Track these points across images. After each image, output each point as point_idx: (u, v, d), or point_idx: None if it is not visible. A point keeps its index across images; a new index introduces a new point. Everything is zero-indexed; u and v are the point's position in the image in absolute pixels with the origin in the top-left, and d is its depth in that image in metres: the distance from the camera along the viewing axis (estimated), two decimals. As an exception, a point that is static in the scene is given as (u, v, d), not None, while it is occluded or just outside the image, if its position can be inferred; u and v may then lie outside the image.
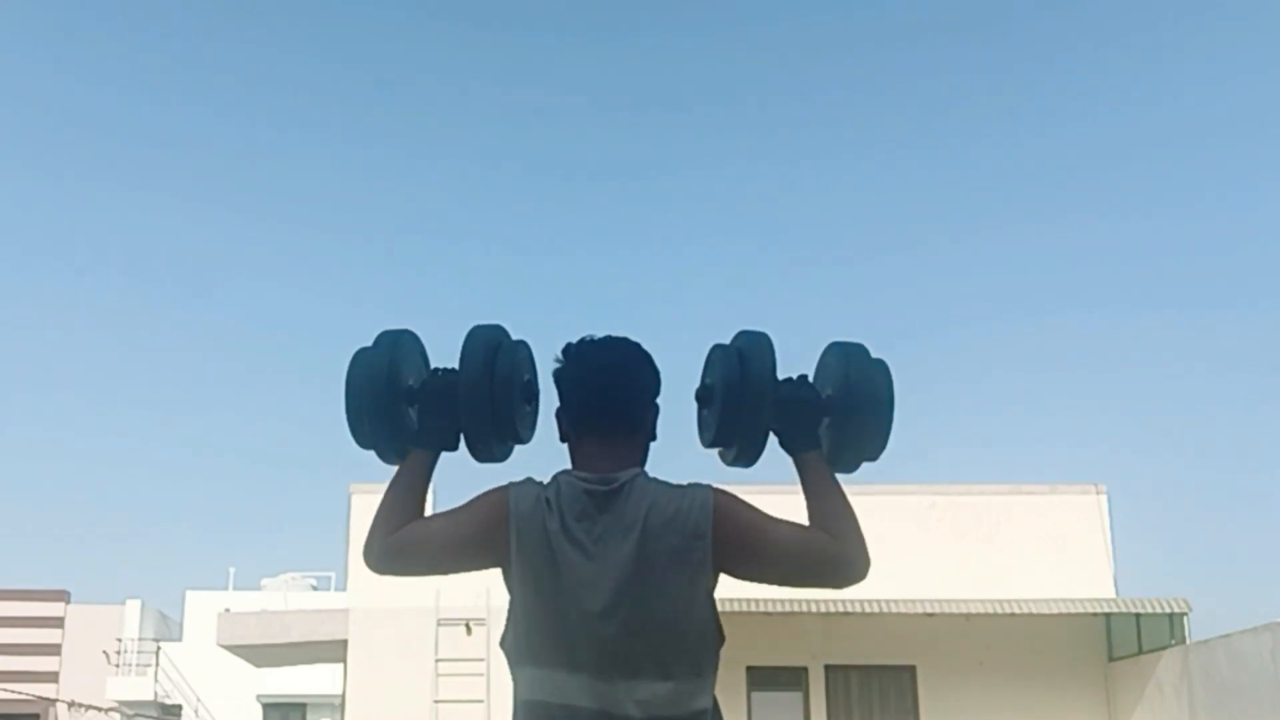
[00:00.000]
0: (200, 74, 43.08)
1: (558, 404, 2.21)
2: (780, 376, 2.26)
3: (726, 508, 2.06)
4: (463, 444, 2.28)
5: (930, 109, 40.62)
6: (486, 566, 2.11)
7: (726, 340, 2.32)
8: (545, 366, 2.27)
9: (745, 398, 2.23)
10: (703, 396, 2.32)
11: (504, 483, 2.12)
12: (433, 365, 2.34)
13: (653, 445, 2.22)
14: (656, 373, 2.22)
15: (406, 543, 2.12)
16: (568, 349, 2.20)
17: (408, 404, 2.29)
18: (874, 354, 2.35)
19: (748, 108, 41.10)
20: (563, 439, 2.20)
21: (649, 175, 42.74)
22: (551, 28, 43.54)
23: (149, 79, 44.17)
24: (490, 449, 2.29)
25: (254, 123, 44.24)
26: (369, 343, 2.32)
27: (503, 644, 2.09)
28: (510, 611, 2.08)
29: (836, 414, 2.28)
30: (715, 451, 2.35)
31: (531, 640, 2.03)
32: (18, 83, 43.23)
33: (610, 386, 2.16)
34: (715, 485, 2.11)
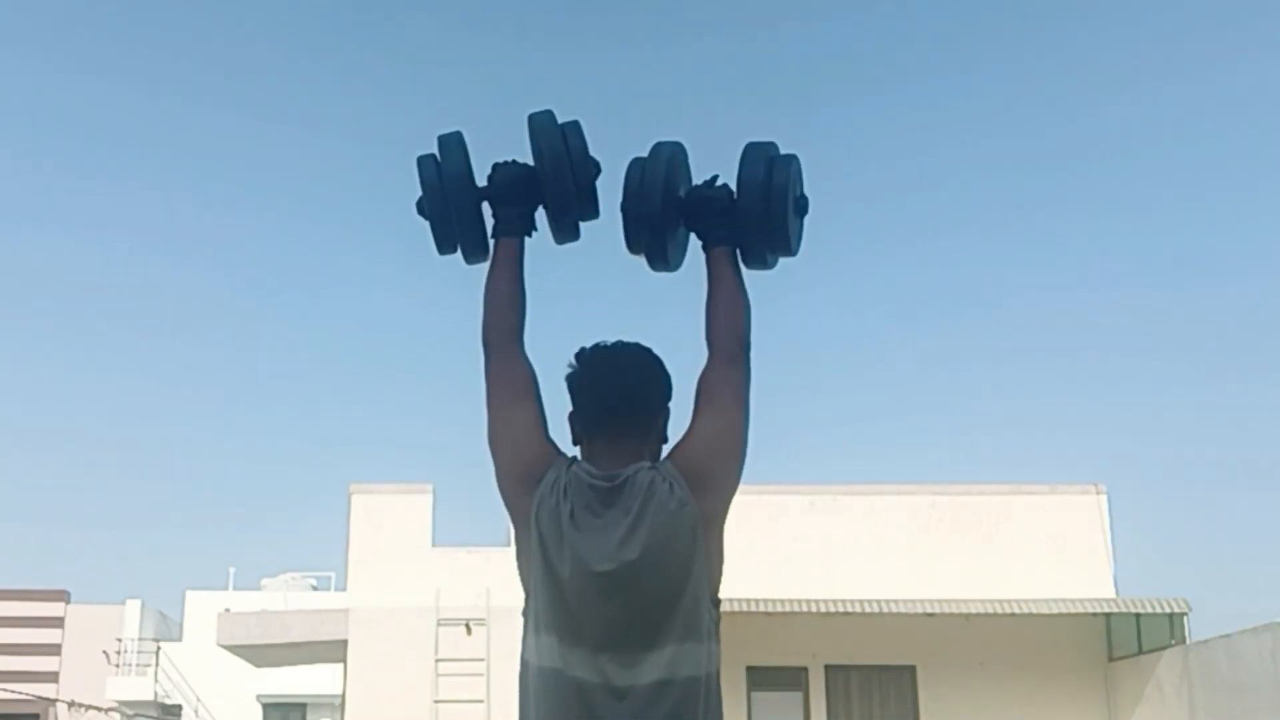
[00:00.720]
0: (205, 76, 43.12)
1: (570, 409, 2.26)
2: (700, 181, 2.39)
3: (680, 460, 2.17)
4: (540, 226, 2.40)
5: (936, 97, 40.63)
6: (505, 486, 2.21)
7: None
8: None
9: (641, 200, 2.35)
10: (621, 206, 2.42)
11: (559, 450, 2.23)
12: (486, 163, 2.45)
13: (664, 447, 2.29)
14: (668, 377, 2.28)
15: (513, 375, 2.27)
16: (581, 354, 2.26)
17: (482, 200, 2.40)
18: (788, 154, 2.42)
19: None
20: (575, 442, 2.26)
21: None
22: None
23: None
24: (574, 226, 2.42)
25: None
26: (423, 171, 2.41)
27: (524, 612, 2.18)
28: (530, 580, 2.16)
29: (743, 206, 2.37)
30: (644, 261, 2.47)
31: (540, 613, 2.12)
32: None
33: (622, 393, 2.22)
34: (666, 453, 2.23)
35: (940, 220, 39.58)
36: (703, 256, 2.40)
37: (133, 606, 32.08)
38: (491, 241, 2.39)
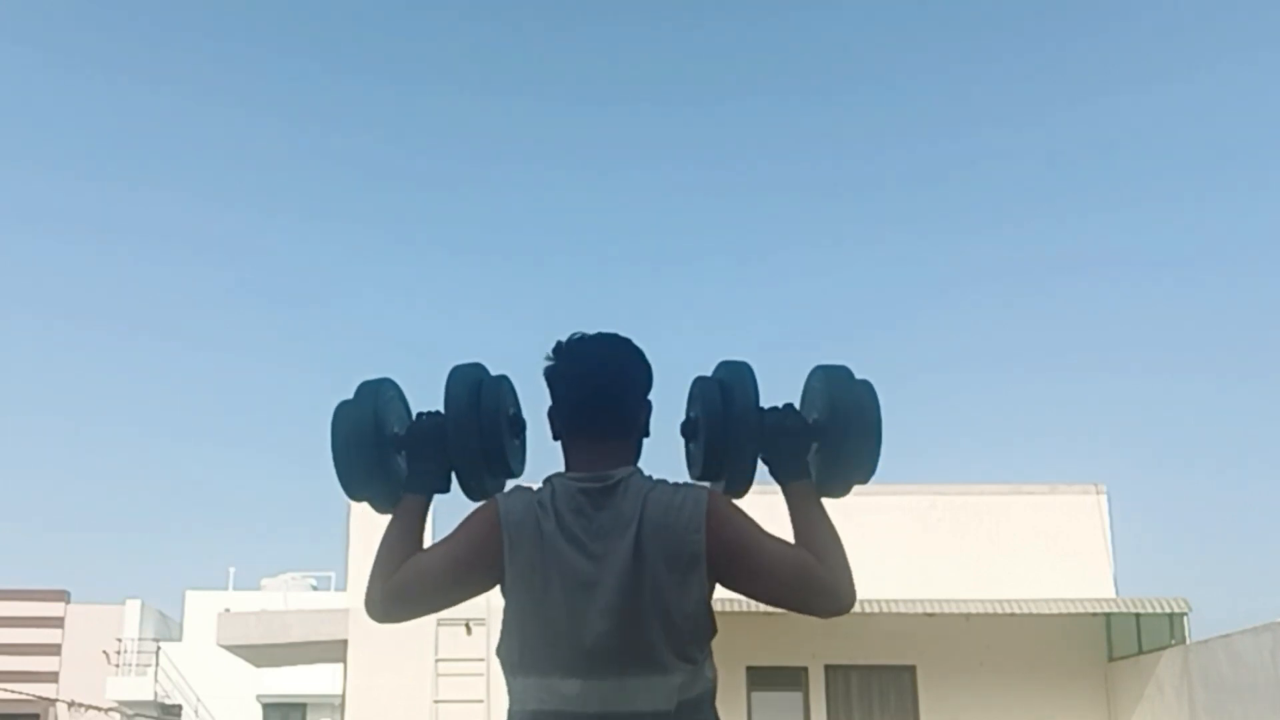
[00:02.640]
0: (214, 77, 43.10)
1: (550, 404, 2.19)
2: (765, 404, 2.25)
3: (721, 510, 2.06)
4: (454, 484, 2.27)
5: (931, 100, 40.62)
6: (488, 584, 2.08)
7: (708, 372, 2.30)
8: (527, 397, 2.27)
9: (729, 431, 2.21)
10: (688, 431, 2.30)
11: (492, 499, 2.12)
12: (414, 410, 2.33)
13: (645, 441, 2.21)
14: (649, 369, 2.20)
15: (407, 580, 2.10)
16: (558, 347, 2.18)
17: (395, 451, 2.29)
18: (859, 375, 2.34)
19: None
20: (555, 438, 2.19)
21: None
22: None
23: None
24: (483, 485, 2.28)
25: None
26: (349, 395, 2.32)
27: (499, 652, 2.09)
28: (505, 620, 2.07)
29: (824, 440, 2.27)
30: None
31: (527, 647, 2.02)
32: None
33: (602, 386, 2.14)
34: (712, 489, 2.11)
35: (941, 220, 39.60)
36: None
37: (133, 606, 32.09)
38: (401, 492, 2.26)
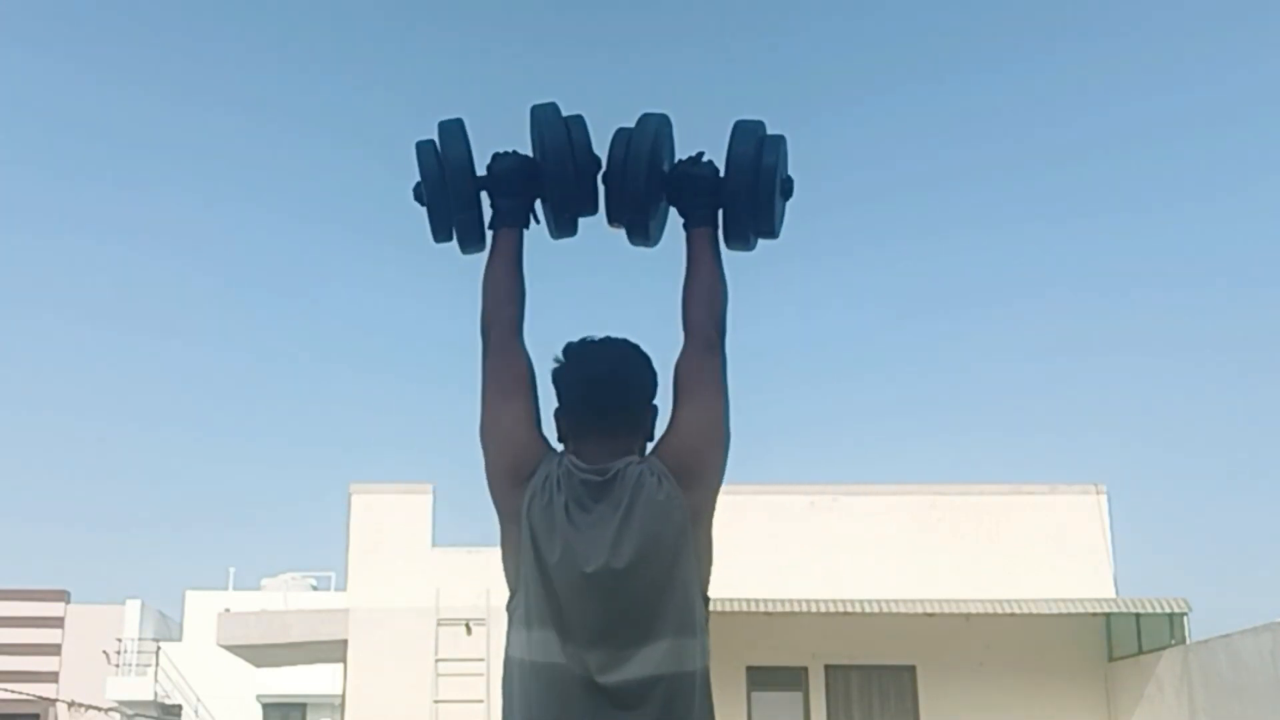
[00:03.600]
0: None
1: (556, 405, 2.23)
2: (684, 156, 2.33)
3: (665, 453, 2.15)
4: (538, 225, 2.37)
5: (936, 96, 40.63)
6: (495, 484, 2.18)
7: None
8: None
9: (626, 173, 2.30)
10: (603, 178, 2.37)
11: (550, 445, 2.20)
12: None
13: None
14: (654, 374, 2.25)
15: (510, 370, 2.23)
16: (567, 350, 2.23)
17: (480, 190, 2.35)
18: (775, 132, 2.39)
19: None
20: (561, 439, 2.23)
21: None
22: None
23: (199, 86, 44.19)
24: (573, 220, 2.38)
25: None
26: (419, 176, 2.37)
27: (508, 606, 2.15)
28: (517, 576, 2.13)
29: (723, 189, 2.33)
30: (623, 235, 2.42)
31: (532, 610, 2.09)
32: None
33: (610, 390, 2.19)
34: (652, 448, 2.20)
35: (941, 219, 39.60)
36: (681, 235, 2.36)
37: (133, 606, 32.07)
38: (489, 232, 2.35)
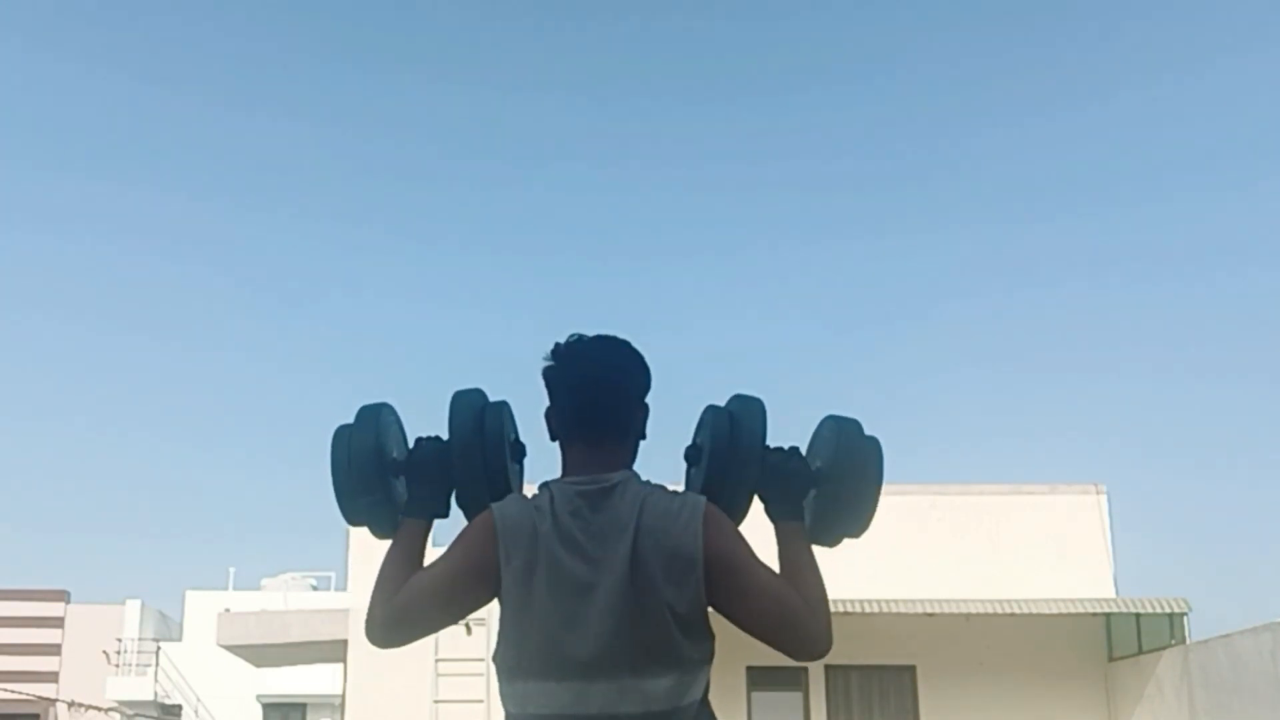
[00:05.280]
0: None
1: (547, 404, 2.19)
2: (773, 445, 2.26)
3: (718, 519, 2.07)
4: (453, 509, 2.27)
5: (932, 96, 40.62)
6: (486, 595, 2.07)
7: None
8: (526, 424, 2.29)
9: (732, 461, 2.23)
10: (691, 456, 2.32)
11: (488, 510, 2.11)
12: (411, 437, 2.34)
13: (643, 444, 2.22)
14: (647, 372, 2.21)
15: (409, 599, 2.08)
16: (557, 349, 2.18)
17: (394, 476, 2.30)
18: (869, 430, 2.37)
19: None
20: (553, 438, 2.19)
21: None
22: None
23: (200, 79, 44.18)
24: (483, 508, 2.25)
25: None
26: (350, 418, 2.32)
27: (495, 659, 2.08)
28: (501, 626, 2.06)
29: (823, 488, 2.30)
30: None
31: (524, 651, 2.02)
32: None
33: (600, 388, 2.15)
34: (709, 499, 2.11)
35: (941, 219, 39.61)
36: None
37: (133, 606, 32.09)
38: (400, 516, 2.26)
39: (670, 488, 2.12)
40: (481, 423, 2.24)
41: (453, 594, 2.08)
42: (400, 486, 2.30)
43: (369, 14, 43.95)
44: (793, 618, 2.08)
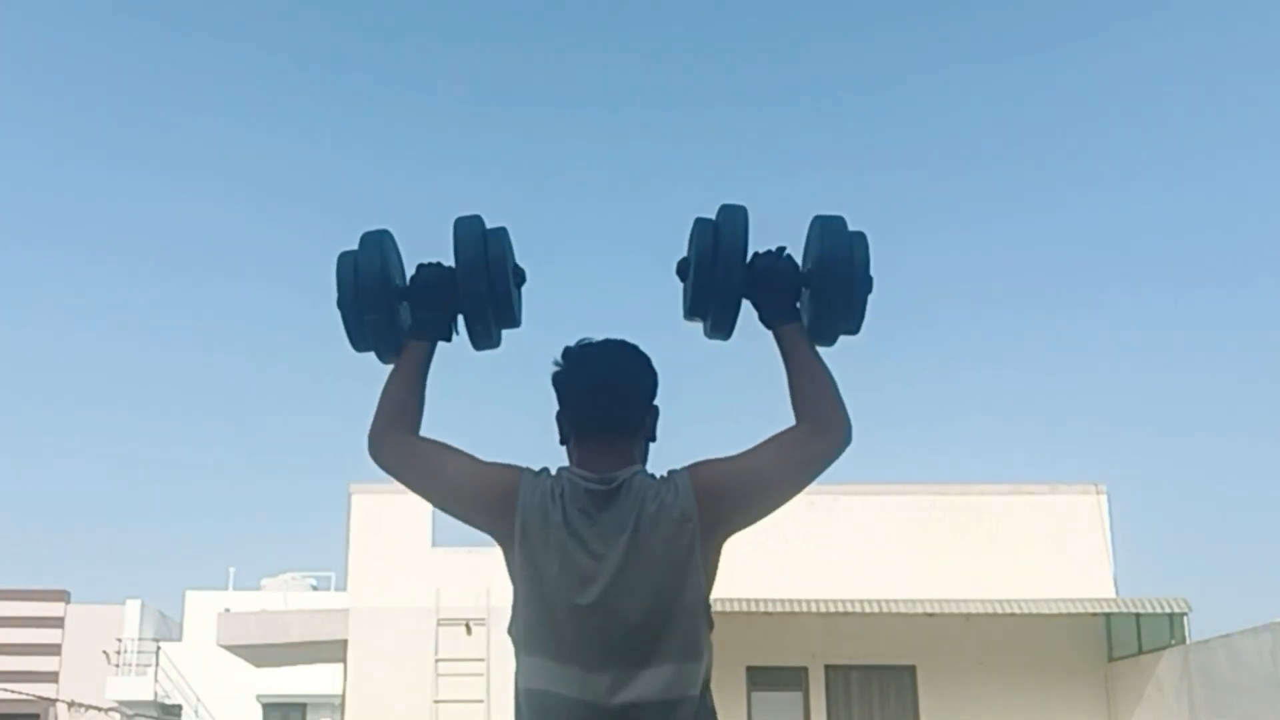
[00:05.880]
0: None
1: (557, 408, 2.22)
2: (762, 250, 2.32)
3: (703, 476, 2.10)
4: (458, 333, 2.37)
5: (931, 94, 40.63)
6: (478, 526, 2.16)
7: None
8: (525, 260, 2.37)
9: (716, 268, 2.28)
10: (681, 270, 2.36)
11: (519, 464, 2.17)
12: (412, 262, 2.40)
13: (652, 446, 2.24)
14: (655, 375, 2.24)
15: (418, 456, 2.20)
16: (567, 352, 2.22)
17: (398, 302, 2.36)
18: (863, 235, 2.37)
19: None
20: (562, 441, 2.22)
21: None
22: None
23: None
24: (489, 332, 2.37)
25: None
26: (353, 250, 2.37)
27: (509, 630, 2.13)
28: (514, 600, 2.12)
29: (813, 285, 2.32)
30: (699, 327, 2.40)
31: (531, 631, 2.08)
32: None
33: (610, 390, 2.18)
34: (692, 463, 2.15)
35: (940, 218, 39.61)
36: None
37: (133, 606, 32.07)
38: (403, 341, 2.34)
39: (668, 470, 2.16)
40: (485, 246, 2.31)
41: (453, 498, 2.18)
42: (404, 313, 2.36)
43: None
44: (804, 454, 2.14)
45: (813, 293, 2.31)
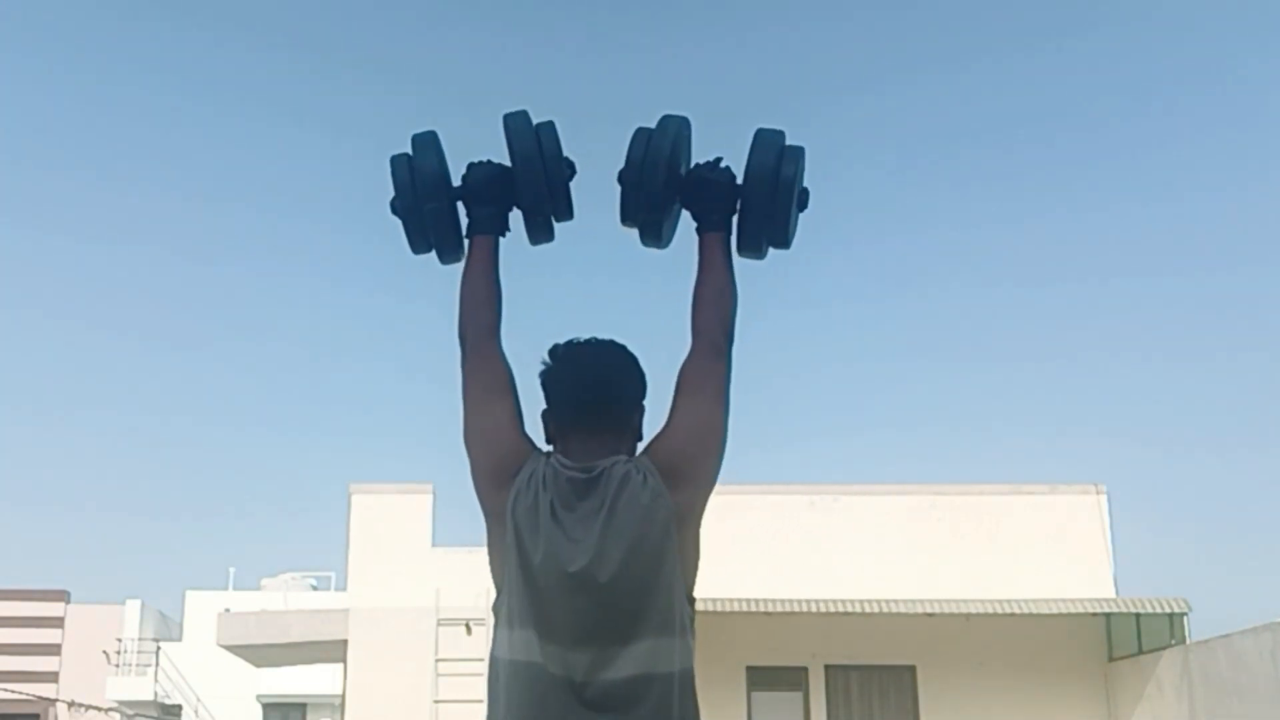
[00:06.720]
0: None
1: (544, 407, 2.25)
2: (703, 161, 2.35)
3: (657, 452, 2.16)
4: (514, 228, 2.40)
5: (932, 91, 40.64)
6: (475, 481, 2.20)
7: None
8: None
9: (644, 173, 2.31)
10: (620, 178, 2.38)
11: (538, 446, 2.21)
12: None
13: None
14: (643, 375, 2.27)
15: (487, 370, 2.25)
16: (554, 350, 2.25)
17: (457, 198, 2.39)
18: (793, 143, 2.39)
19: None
20: (548, 440, 2.24)
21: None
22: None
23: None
24: (548, 225, 2.41)
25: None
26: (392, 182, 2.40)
27: (494, 607, 2.16)
28: (501, 575, 2.15)
29: (743, 195, 2.34)
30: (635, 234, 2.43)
31: (514, 609, 2.10)
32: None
33: (597, 386, 2.21)
34: (643, 448, 2.21)
35: (939, 218, 39.60)
36: (693, 239, 2.37)
37: (133, 606, 32.08)
38: (466, 241, 2.39)
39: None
40: (538, 139, 2.34)
41: (481, 431, 2.22)
42: (459, 214, 2.39)
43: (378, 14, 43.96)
44: (709, 373, 2.22)
45: (742, 202, 2.35)
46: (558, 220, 2.43)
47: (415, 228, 2.39)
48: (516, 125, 2.34)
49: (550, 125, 2.37)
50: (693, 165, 2.37)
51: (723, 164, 2.36)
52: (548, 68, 40.61)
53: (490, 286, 2.33)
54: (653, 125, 2.36)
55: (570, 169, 2.39)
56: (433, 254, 2.43)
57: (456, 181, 2.40)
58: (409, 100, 43.60)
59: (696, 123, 2.39)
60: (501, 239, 2.38)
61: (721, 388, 2.21)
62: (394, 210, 2.39)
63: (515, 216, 2.43)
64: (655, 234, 2.41)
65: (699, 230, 2.34)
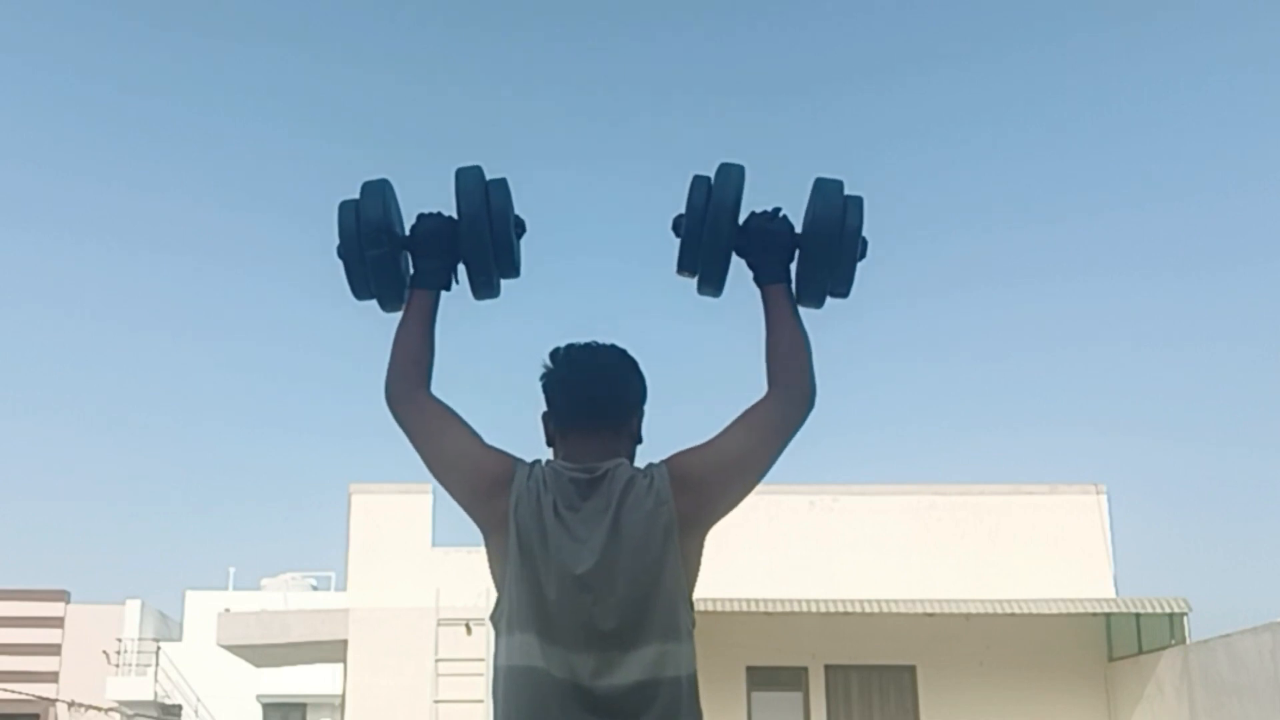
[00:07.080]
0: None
1: (544, 409, 2.25)
2: (759, 210, 2.35)
3: (678, 466, 2.14)
4: (456, 284, 2.39)
5: (936, 89, 40.63)
6: (460, 503, 2.19)
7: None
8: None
9: (705, 224, 2.31)
10: (676, 225, 2.38)
11: (514, 454, 2.20)
12: (412, 212, 2.42)
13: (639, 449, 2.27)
14: (642, 378, 2.28)
15: (426, 416, 2.23)
16: (555, 354, 2.26)
17: (402, 249, 2.38)
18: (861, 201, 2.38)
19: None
20: (549, 443, 2.25)
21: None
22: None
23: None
24: (491, 282, 2.39)
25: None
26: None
27: (492, 617, 2.15)
28: (501, 585, 2.14)
29: (803, 246, 2.34)
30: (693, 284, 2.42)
31: (515, 614, 2.09)
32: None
33: (597, 388, 2.21)
34: (669, 455, 2.19)
35: (939, 217, 39.61)
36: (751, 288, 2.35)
37: (133, 606, 32.07)
38: (408, 292, 2.37)
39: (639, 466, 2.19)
40: (487, 196, 2.33)
41: (449, 465, 2.20)
42: (405, 262, 2.39)
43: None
44: (773, 424, 2.20)
45: (802, 253, 2.34)
46: (504, 278, 2.42)
47: (357, 274, 2.38)
48: (465, 184, 2.33)
49: (502, 182, 2.37)
50: (750, 215, 2.35)
51: (781, 214, 2.35)
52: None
53: (423, 342, 2.31)
54: (696, 172, 2.35)
55: (520, 227, 2.39)
56: (375, 301, 2.42)
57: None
58: (420, 99, 43.57)
59: (696, 165, 2.38)
60: (446, 292, 2.36)
61: (786, 432, 2.21)
62: (338, 254, 2.38)
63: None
64: (716, 285, 2.39)
65: (758, 280, 2.33)
